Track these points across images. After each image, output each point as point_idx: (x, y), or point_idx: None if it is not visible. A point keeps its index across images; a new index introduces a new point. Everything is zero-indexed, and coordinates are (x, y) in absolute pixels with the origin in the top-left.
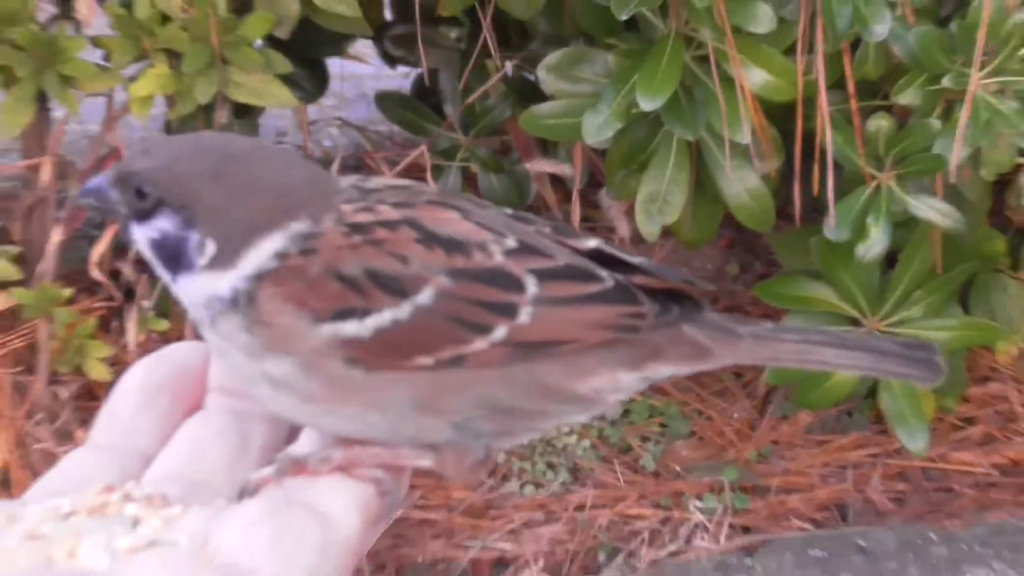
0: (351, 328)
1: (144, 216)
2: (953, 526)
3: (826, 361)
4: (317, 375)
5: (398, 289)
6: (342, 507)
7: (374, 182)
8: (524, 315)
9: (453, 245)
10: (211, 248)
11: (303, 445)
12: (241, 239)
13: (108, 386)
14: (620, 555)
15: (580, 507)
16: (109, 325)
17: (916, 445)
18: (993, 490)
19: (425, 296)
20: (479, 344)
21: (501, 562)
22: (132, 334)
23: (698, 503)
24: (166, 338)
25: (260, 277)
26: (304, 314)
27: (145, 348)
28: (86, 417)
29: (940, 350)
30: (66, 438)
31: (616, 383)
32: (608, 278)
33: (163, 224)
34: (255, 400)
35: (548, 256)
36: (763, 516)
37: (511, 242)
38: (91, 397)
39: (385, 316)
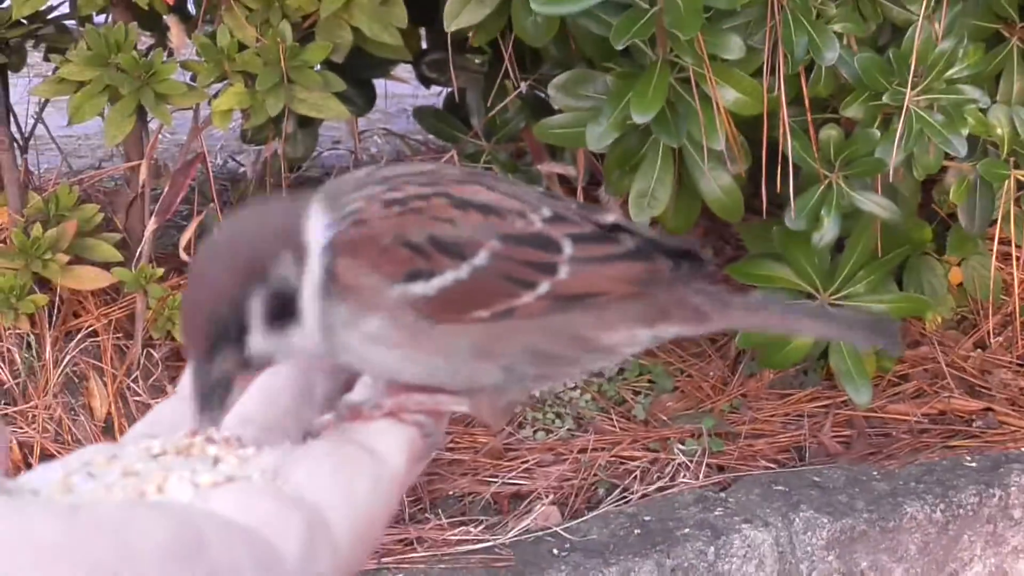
0: (419, 288)
1: (251, 324)
2: (892, 465)
3: (804, 328)
4: (399, 326)
5: (458, 252)
6: (391, 446)
7: (394, 170)
8: (563, 272)
9: (487, 209)
10: (290, 258)
11: (358, 394)
12: (300, 245)
13: None
14: (616, 490)
15: (583, 450)
16: None
17: (861, 398)
18: (924, 435)
19: (481, 258)
20: (526, 298)
21: (517, 496)
22: None
23: (681, 446)
24: None
25: (332, 250)
26: (379, 276)
27: None
28: (175, 374)
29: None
30: (159, 392)
31: (632, 337)
32: (629, 241)
33: (255, 304)
34: (360, 366)
35: (578, 223)
36: (735, 457)
37: (547, 211)
38: (179, 358)
39: (448, 276)
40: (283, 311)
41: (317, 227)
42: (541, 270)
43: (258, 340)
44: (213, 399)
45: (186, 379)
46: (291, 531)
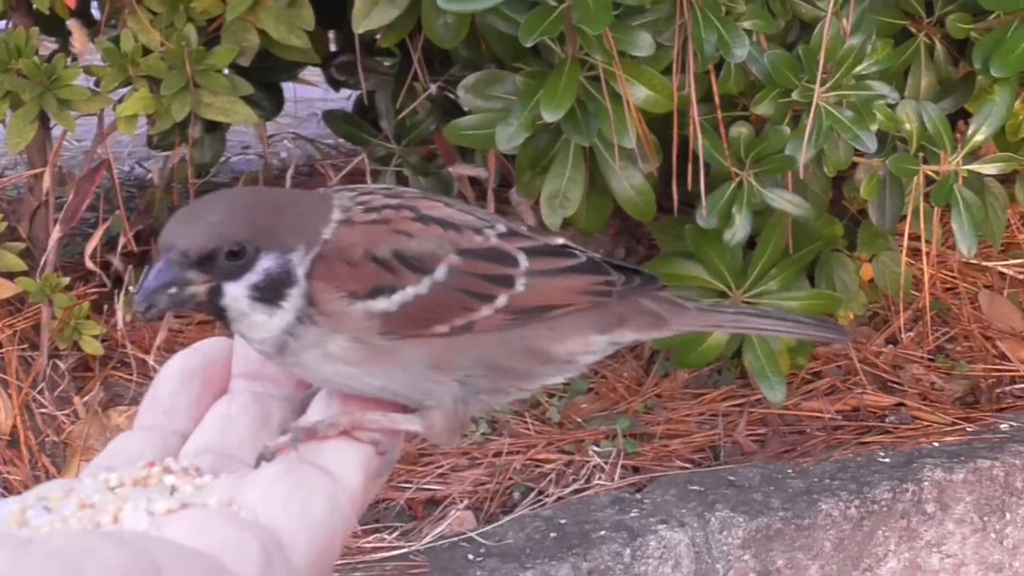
0: (382, 304)
1: (242, 270)
2: (806, 463)
3: (757, 328)
4: (360, 345)
5: (420, 267)
6: (346, 465)
7: (362, 186)
8: (520, 285)
9: (446, 224)
10: (308, 261)
11: (313, 415)
12: (310, 241)
13: (100, 359)
14: (532, 493)
15: (498, 454)
16: (101, 307)
17: (775, 396)
18: (838, 432)
19: (441, 272)
20: (485, 311)
21: (432, 501)
22: (120, 315)
23: (596, 448)
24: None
25: (313, 270)
26: (346, 296)
27: (131, 326)
28: (82, 385)
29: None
30: (65, 403)
31: (588, 346)
32: (581, 255)
33: (266, 264)
34: (317, 381)
35: (531, 238)
36: (650, 458)
37: (501, 227)
38: (86, 368)
39: (409, 292)
40: (269, 294)
41: (322, 231)
42: (499, 283)
43: (236, 294)
44: (160, 300)
45: (144, 411)
46: (248, 555)
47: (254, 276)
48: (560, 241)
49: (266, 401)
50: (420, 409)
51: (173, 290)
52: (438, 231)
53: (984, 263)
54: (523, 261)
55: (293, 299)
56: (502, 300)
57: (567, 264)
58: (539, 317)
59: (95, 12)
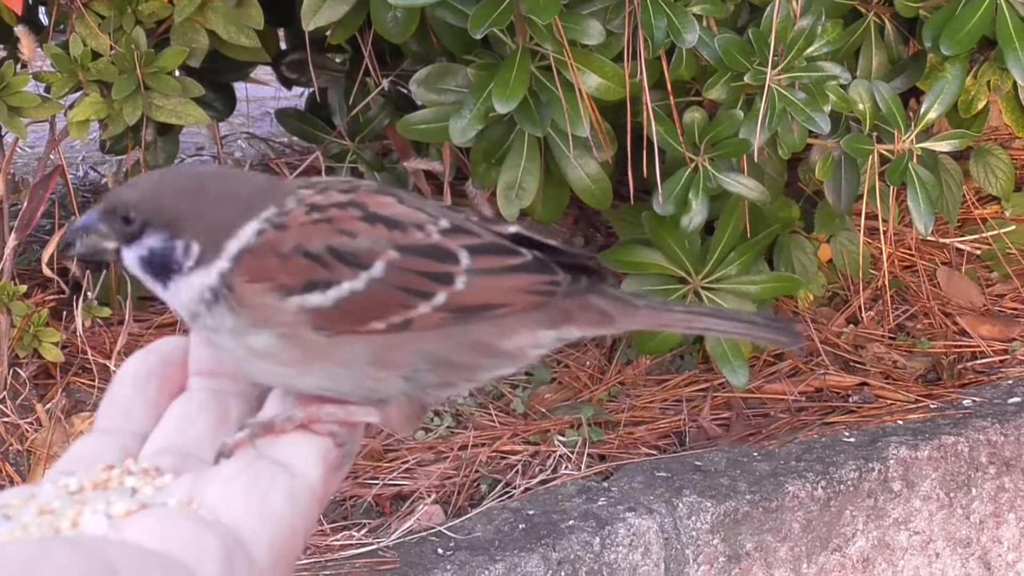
0: (315, 299)
1: (132, 239)
2: (772, 445)
3: (708, 328)
4: (291, 342)
5: (356, 263)
6: (305, 458)
7: (320, 179)
8: (459, 283)
9: (392, 224)
10: (196, 249)
11: (270, 410)
12: (223, 234)
13: (61, 366)
14: (499, 485)
15: (463, 447)
16: (60, 314)
17: (738, 380)
18: (802, 414)
19: (377, 268)
20: (423, 308)
21: (399, 497)
22: (79, 321)
23: (561, 438)
24: (108, 322)
25: (240, 258)
26: (276, 290)
27: (91, 332)
28: (44, 392)
29: (782, 315)
30: (27, 411)
31: (536, 340)
32: (527, 253)
33: (151, 241)
34: (240, 376)
35: (476, 235)
36: (616, 446)
37: (445, 223)
38: (47, 376)
39: (344, 287)
40: (159, 270)
41: (249, 231)
42: (437, 280)
43: (129, 260)
44: (77, 242)
45: (101, 414)
46: (208, 554)
47: (141, 249)
48: (513, 229)
49: (224, 398)
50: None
51: (86, 237)
52: (383, 231)
53: (941, 240)
54: (464, 259)
55: (190, 283)
56: (440, 298)
57: (511, 263)
58: (480, 315)
59: (43, 18)
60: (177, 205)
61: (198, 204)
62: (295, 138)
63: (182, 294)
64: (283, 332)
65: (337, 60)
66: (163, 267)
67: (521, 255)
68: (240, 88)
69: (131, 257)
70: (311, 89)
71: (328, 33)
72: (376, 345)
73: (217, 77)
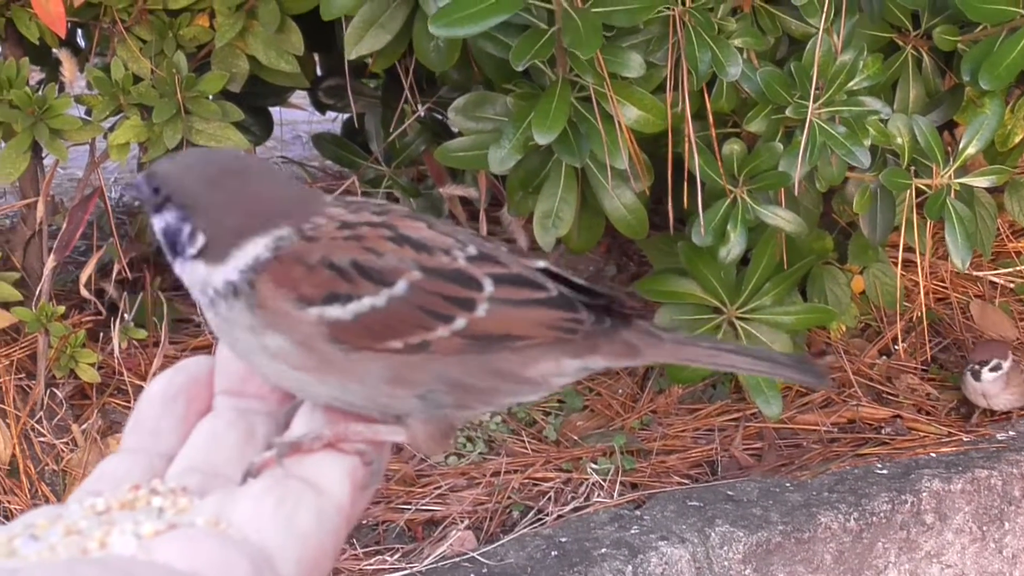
0: (335, 312)
1: (157, 209)
2: (804, 476)
3: (733, 364)
4: (306, 350)
5: (379, 279)
6: (333, 477)
7: (355, 199)
8: (481, 310)
9: (419, 246)
10: (200, 241)
11: (297, 429)
12: (229, 239)
13: (97, 387)
14: (531, 512)
15: (496, 473)
16: (97, 335)
17: (772, 411)
18: (835, 445)
19: (400, 287)
20: (441, 332)
21: (432, 522)
22: (116, 342)
23: (594, 465)
24: (144, 344)
25: (256, 269)
26: (297, 299)
27: (127, 354)
28: (80, 413)
29: (815, 346)
30: (64, 432)
31: (560, 369)
32: (553, 288)
33: (168, 216)
34: (253, 369)
35: (503, 264)
36: (648, 474)
37: (472, 250)
38: (83, 396)
39: (365, 303)
40: (175, 246)
41: (270, 239)
42: (459, 305)
43: (155, 227)
44: (132, 192)
45: (128, 434)
46: (236, 573)
47: (161, 220)
48: (541, 264)
49: (250, 417)
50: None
51: (135, 192)
52: (409, 252)
53: (975, 273)
54: (488, 287)
55: (194, 268)
56: (460, 323)
57: (535, 296)
58: (500, 344)
59: (82, 41)
60: (197, 190)
61: (217, 195)
62: (328, 162)
63: (187, 276)
64: (299, 339)
65: (371, 85)
66: (172, 244)
67: (546, 290)
68: (274, 113)
69: (156, 224)
70: (346, 114)
71: (368, 60)
72: (392, 363)
73: (255, 101)
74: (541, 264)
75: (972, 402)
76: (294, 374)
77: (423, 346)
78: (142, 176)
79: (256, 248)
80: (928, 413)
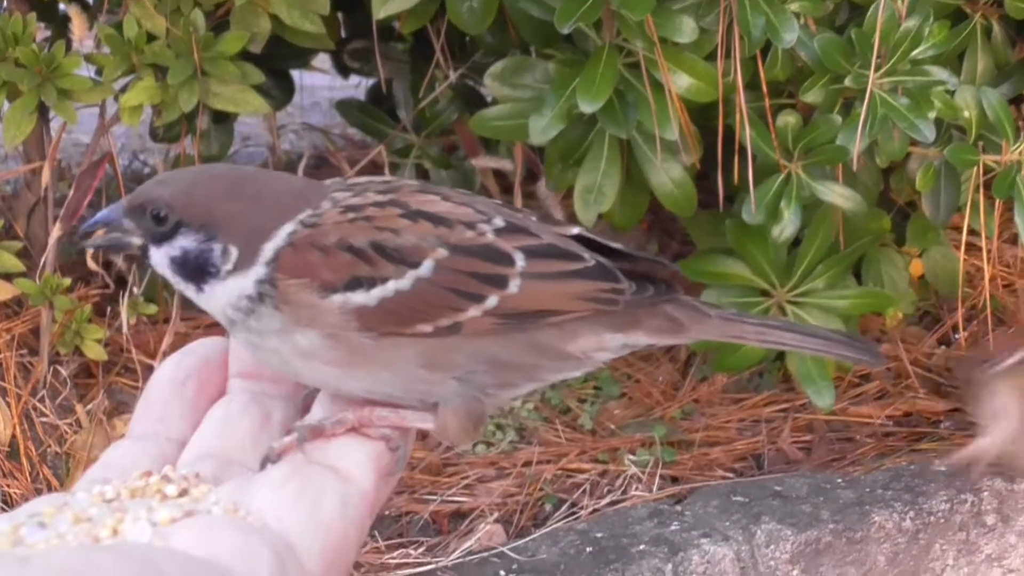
0: (359, 298)
1: (163, 238)
2: (857, 472)
3: (782, 342)
4: (336, 342)
5: (402, 260)
6: (357, 463)
7: (358, 180)
8: (513, 286)
9: (437, 220)
10: (234, 253)
11: (317, 413)
12: (260, 237)
13: (104, 365)
14: (564, 505)
15: (527, 463)
16: (104, 310)
17: (823, 401)
18: (889, 439)
19: (425, 268)
20: (473, 312)
21: (458, 514)
22: (124, 318)
23: (632, 457)
24: (153, 320)
25: (276, 259)
26: (318, 286)
27: (136, 330)
28: (84, 392)
29: (869, 334)
30: (67, 412)
31: (601, 344)
32: (589, 258)
33: (183, 242)
34: (287, 377)
35: (534, 235)
36: (689, 467)
37: (499, 222)
38: (89, 375)
39: (389, 286)
40: (192, 271)
41: (284, 231)
42: (490, 282)
43: (158, 259)
44: (95, 235)
45: (137, 420)
46: (258, 562)
47: (173, 249)
48: (575, 231)
49: (266, 401)
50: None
51: (107, 231)
52: (427, 227)
53: None
54: (520, 261)
55: (227, 287)
56: (492, 301)
57: (570, 268)
58: (535, 321)
59: None
60: (214, 205)
61: (236, 205)
62: (351, 130)
63: (219, 298)
64: (329, 332)
65: (399, 48)
66: (198, 270)
67: (582, 260)
68: (294, 76)
69: (160, 257)
70: (371, 79)
71: (396, 22)
72: (425, 347)
73: (276, 64)
74: (575, 231)
75: None
76: (327, 370)
77: (454, 328)
78: (121, 208)
79: (276, 242)
80: None
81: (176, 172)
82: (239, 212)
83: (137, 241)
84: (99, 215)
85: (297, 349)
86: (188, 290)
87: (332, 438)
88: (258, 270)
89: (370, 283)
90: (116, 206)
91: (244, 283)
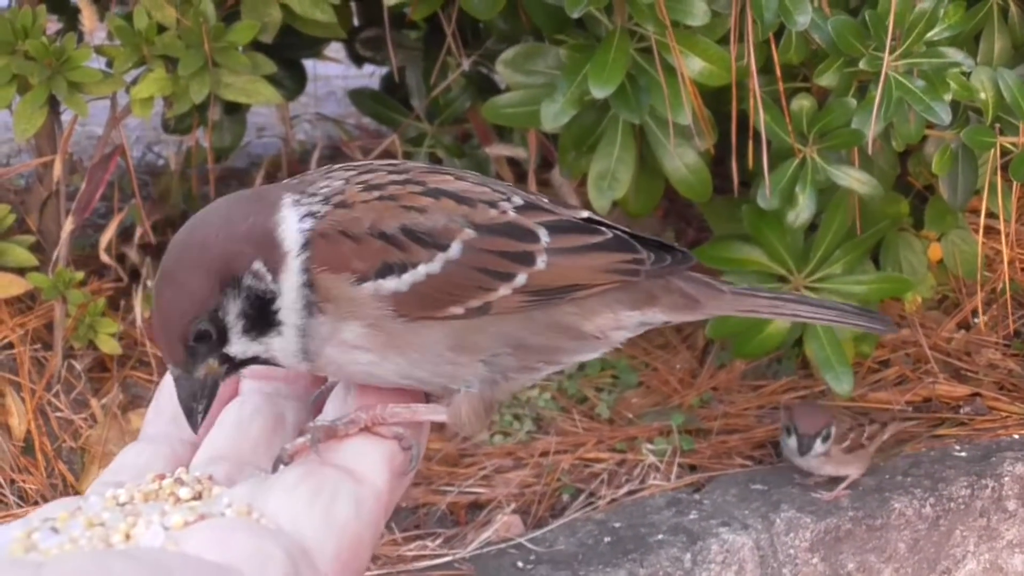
0: (391, 284)
1: (218, 333)
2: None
3: (796, 314)
4: (375, 329)
5: (432, 243)
6: (370, 464)
7: (355, 163)
8: (540, 262)
9: (460, 198)
10: (261, 267)
11: (328, 415)
12: (270, 243)
13: (118, 358)
14: (582, 495)
15: (544, 453)
16: (117, 304)
17: (842, 387)
18: (909, 425)
19: (454, 250)
20: (503, 291)
21: (476, 505)
22: (138, 311)
23: (650, 446)
24: None
25: (309, 247)
26: (351, 277)
27: (150, 323)
28: (98, 387)
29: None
30: (82, 406)
31: (619, 322)
32: (607, 231)
33: (230, 310)
34: (347, 378)
35: (551, 212)
36: (708, 455)
37: (518, 199)
38: (103, 369)
39: (420, 271)
40: (262, 316)
41: (292, 222)
42: (518, 260)
43: (239, 347)
44: (198, 407)
45: (149, 421)
46: (272, 565)
47: (233, 329)
48: (584, 214)
49: (278, 402)
50: (443, 397)
51: (196, 401)
52: (450, 204)
53: None
54: (544, 237)
55: (287, 304)
56: (521, 279)
57: (592, 241)
58: (561, 297)
59: None
60: (202, 263)
61: (221, 243)
62: (365, 120)
63: (291, 321)
64: (370, 323)
65: (412, 36)
66: (260, 313)
67: (602, 232)
68: (307, 65)
69: (237, 347)
70: (384, 68)
71: (408, 9)
72: (455, 329)
73: (288, 53)
74: (584, 214)
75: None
76: (364, 357)
77: (484, 308)
78: (178, 371)
79: (289, 230)
80: (1010, 391)
81: (158, 306)
82: (229, 241)
83: (217, 369)
84: (181, 403)
85: (345, 345)
86: (272, 343)
87: (345, 439)
88: (293, 265)
89: (400, 268)
90: (178, 384)
91: (291, 290)
